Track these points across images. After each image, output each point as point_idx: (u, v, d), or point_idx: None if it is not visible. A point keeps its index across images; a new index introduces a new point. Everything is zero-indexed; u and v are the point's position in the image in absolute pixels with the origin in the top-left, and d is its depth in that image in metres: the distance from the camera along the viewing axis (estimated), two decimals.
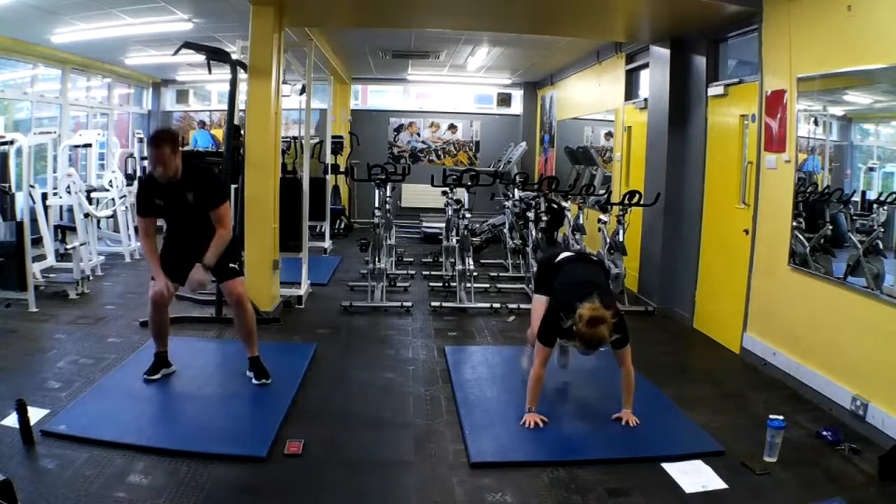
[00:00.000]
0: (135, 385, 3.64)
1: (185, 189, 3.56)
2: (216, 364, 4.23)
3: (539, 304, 3.68)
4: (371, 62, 9.55)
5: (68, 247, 6.03)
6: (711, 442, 3.19)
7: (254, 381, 3.74)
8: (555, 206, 7.09)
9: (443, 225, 7.20)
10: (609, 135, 7.67)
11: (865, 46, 3.42)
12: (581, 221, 7.32)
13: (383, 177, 6.36)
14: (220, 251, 3.60)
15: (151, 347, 3.83)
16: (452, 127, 11.66)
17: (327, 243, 8.52)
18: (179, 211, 3.62)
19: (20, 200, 5.40)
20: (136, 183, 8.94)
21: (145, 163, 9.69)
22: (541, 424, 3.33)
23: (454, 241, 6.25)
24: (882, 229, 3.46)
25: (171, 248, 3.75)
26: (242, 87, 5.27)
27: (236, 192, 5.36)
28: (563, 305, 3.24)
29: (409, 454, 3.08)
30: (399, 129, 11.65)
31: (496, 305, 5.70)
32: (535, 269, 3.59)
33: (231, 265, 3.74)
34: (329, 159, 8.92)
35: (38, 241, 5.84)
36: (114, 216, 7.39)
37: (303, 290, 5.77)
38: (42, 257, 5.88)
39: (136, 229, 7.78)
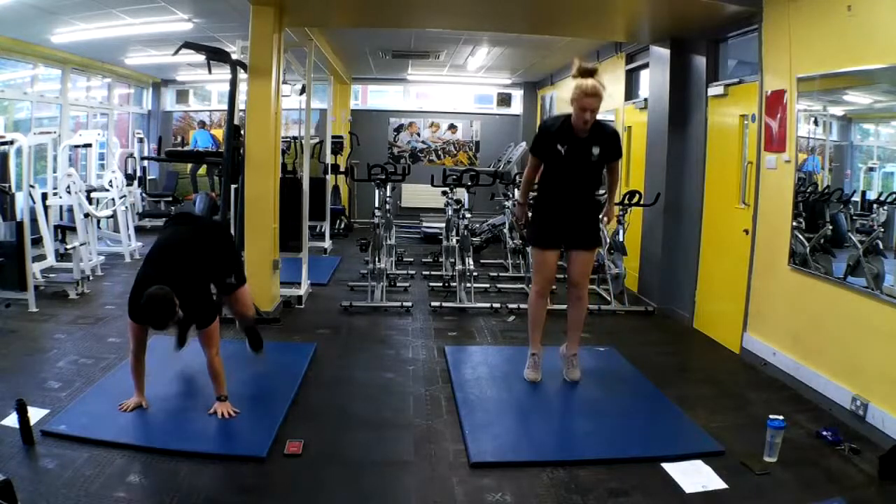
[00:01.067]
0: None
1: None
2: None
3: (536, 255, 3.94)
4: (371, 62, 9.55)
5: (68, 247, 6.03)
6: (711, 442, 3.19)
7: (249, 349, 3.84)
8: None
9: (443, 225, 7.20)
10: None
11: (865, 46, 3.42)
12: None
13: (383, 177, 6.36)
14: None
15: (150, 347, 3.76)
16: (452, 127, 11.67)
17: (327, 243, 8.52)
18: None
19: (20, 200, 5.40)
20: (135, 184, 8.99)
21: (145, 163, 9.74)
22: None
23: (454, 241, 6.25)
24: (882, 229, 3.46)
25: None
26: (242, 87, 5.27)
27: (236, 192, 5.36)
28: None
29: (409, 454, 3.08)
30: (399, 129, 11.65)
31: (496, 305, 5.70)
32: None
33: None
34: (329, 159, 8.91)
35: (38, 241, 5.84)
36: (114, 216, 7.39)
37: (303, 290, 5.77)
38: (42, 257, 5.88)
39: (136, 229, 7.81)
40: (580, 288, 3.92)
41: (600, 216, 3.94)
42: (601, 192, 4.06)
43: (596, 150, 3.68)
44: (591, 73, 3.57)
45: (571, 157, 3.67)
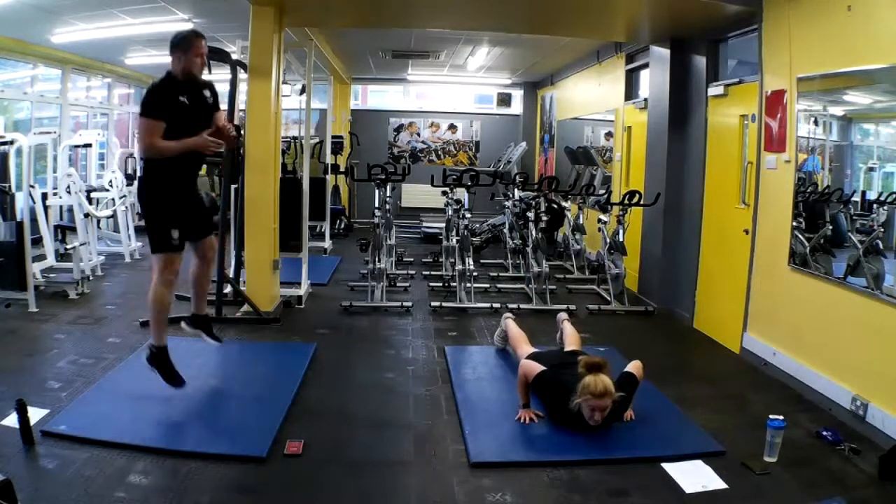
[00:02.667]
0: (135, 385, 3.64)
1: (203, 88, 3.49)
2: (216, 364, 4.22)
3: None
4: (371, 62, 9.55)
5: (68, 247, 6.03)
6: (711, 442, 3.19)
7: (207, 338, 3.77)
8: (555, 206, 7.11)
9: (443, 225, 7.20)
10: (609, 135, 7.67)
11: (865, 46, 3.42)
12: (581, 221, 7.35)
13: (383, 177, 6.36)
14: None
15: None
16: (452, 127, 11.67)
17: (327, 243, 8.52)
18: (202, 114, 3.47)
19: (20, 200, 5.40)
20: (135, 184, 8.96)
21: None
22: (535, 420, 3.37)
23: (454, 241, 6.25)
24: (882, 229, 3.46)
25: (180, 193, 3.50)
26: (242, 87, 5.28)
27: (236, 192, 5.37)
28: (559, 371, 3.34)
29: (410, 454, 3.08)
30: (399, 129, 11.65)
31: (496, 305, 5.70)
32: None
33: (215, 217, 3.64)
34: (329, 159, 8.92)
35: (38, 241, 5.84)
36: (114, 216, 7.39)
37: (303, 290, 5.77)
38: (42, 257, 5.88)
39: (136, 229, 7.80)
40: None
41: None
42: None
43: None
44: (599, 367, 3.16)
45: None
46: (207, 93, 3.52)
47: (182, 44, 3.36)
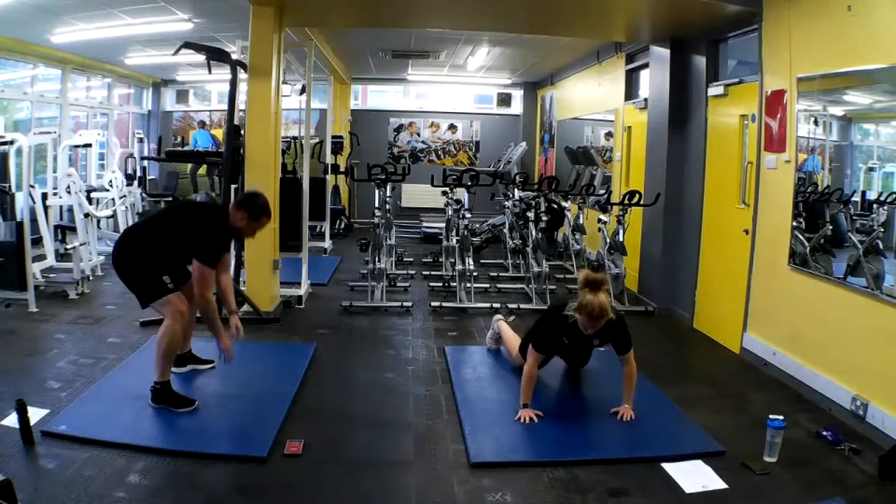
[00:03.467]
0: (135, 385, 3.63)
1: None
2: (215, 364, 4.22)
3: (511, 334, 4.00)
4: (371, 62, 9.55)
5: (68, 247, 6.03)
6: (711, 442, 3.19)
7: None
8: (555, 206, 7.10)
9: (443, 225, 7.20)
10: (609, 135, 7.67)
11: (865, 46, 3.42)
12: (581, 221, 7.34)
13: (383, 177, 6.36)
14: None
15: (151, 347, 3.77)
16: (452, 127, 11.67)
17: (327, 243, 8.52)
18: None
19: (20, 200, 5.40)
20: (135, 184, 8.98)
21: (145, 163, 9.73)
22: (535, 419, 3.37)
23: (454, 241, 6.25)
24: (882, 229, 3.46)
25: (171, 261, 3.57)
26: (242, 87, 5.27)
27: (236, 192, 5.36)
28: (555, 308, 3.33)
29: (410, 454, 3.08)
30: (399, 129, 11.65)
31: (496, 305, 5.69)
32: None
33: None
34: (329, 159, 8.91)
35: (38, 241, 5.84)
36: (114, 216, 7.39)
37: (303, 290, 5.77)
38: (42, 257, 5.88)
39: None
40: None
41: (611, 411, 3.53)
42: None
43: (597, 341, 3.58)
44: (598, 284, 3.23)
45: (574, 347, 3.69)
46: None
47: (256, 212, 3.50)
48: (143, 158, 9.09)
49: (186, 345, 3.88)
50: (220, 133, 10.42)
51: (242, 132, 5.27)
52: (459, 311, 5.67)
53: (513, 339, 4.16)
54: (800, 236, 4.04)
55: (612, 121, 7.45)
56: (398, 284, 6.39)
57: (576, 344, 3.58)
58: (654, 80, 6.03)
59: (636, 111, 6.64)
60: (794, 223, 4.07)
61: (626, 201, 5.78)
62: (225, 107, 5.86)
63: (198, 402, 3.44)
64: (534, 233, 6.20)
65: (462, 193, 6.72)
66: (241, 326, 3.63)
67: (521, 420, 3.38)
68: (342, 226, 9.97)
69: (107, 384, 3.67)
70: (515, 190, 7.67)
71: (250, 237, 3.73)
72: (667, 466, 2.94)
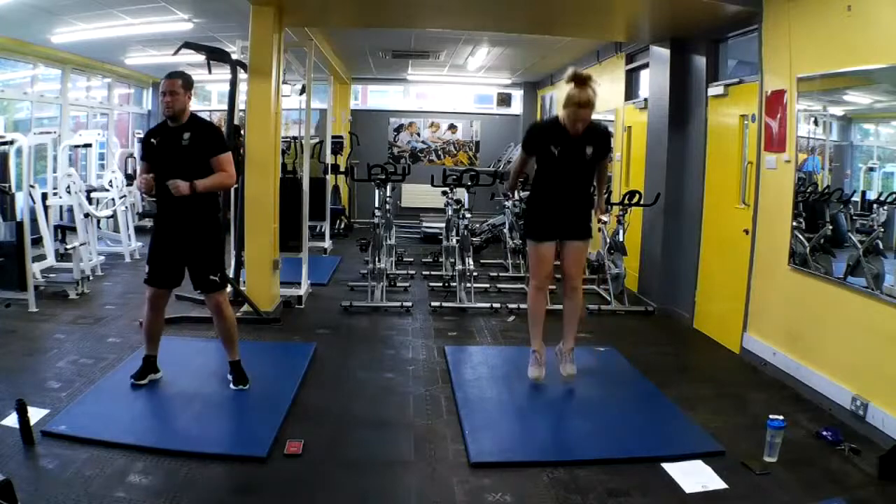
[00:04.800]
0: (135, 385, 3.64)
1: (183, 131, 3.45)
2: (216, 364, 4.20)
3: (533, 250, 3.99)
4: (371, 62, 9.55)
5: (68, 247, 6.03)
6: (711, 442, 3.19)
7: (232, 385, 3.66)
8: None
9: (443, 225, 7.20)
10: None
11: (865, 46, 3.42)
12: None
13: (383, 177, 6.36)
14: (216, 186, 3.50)
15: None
16: (452, 127, 11.67)
17: (327, 243, 8.52)
18: (172, 154, 3.45)
19: (20, 200, 5.39)
20: (135, 184, 8.98)
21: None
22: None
23: (454, 241, 6.25)
24: (882, 229, 3.46)
25: (161, 239, 3.57)
26: (242, 87, 5.27)
27: (236, 192, 5.37)
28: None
29: (409, 454, 3.08)
30: (399, 129, 11.65)
31: (496, 305, 5.70)
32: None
33: (212, 277, 3.57)
34: (329, 159, 8.91)
35: (38, 241, 5.84)
36: (114, 216, 7.39)
37: (303, 290, 5.77)
38: (42, 257, 5.88)
39: (136, 229, 7.83)
40: (574, 279, 3.99)
41: (592, 210, 3.98)
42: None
43: (589, 150, 3.73)
44: (584, 80, 3.53)
45: (565, 157, 3.72)
46: (187, 135, 3.46)
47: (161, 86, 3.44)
48: (143, 158, 9.09)
49: (228, 354, 3.75)
50: None
51: (242, 132, 5.27)
52: (459, 311, 5.67)
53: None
54: (800, 236, 4.04)
55: (612, 121, 7.45)
56: (398, 284, 6.39)
57: (567, 151, 3.65)
58: (654, 80, 6.03)
59: (636, 111, 6.64)
60: (794, 223, 4.07)
61: (626, 201, 5.78)
62: (225, 107, 5.87)
63: (197, 402, 3.44)
64: None
65: (462, 193, 6.72)
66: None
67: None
68: (342, 226, 9.97)
69: (107, 384, 3.67)
70: (515, 190, 7.66)
71: (168, 110, 3.43)
72: (667, 466, 2.94)
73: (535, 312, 3.99)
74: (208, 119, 3.77)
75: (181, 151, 3.45)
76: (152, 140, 3.53)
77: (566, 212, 3.83)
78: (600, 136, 3.80)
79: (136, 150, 9.42)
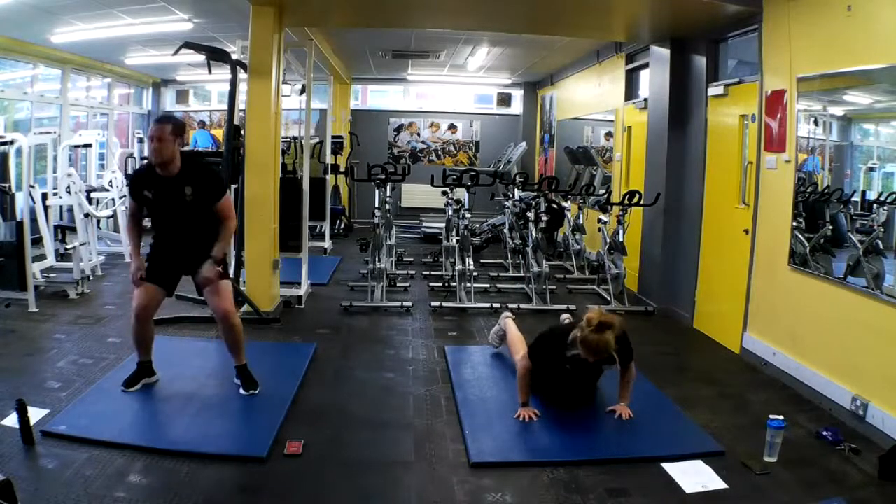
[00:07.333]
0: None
1: (182, 184, 3.38)
2: (216, 364, 4.21)
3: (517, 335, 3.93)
4: (371, 62, 9.55)
5: (68, 247, 6.03)
6: (711, 442, 3.19)
7: (241, 391, 3.60)
8: (555, 206, 7.10)
9: (443, 225, 7.20)
10: (609, 135, 7.67)
11: (865, 46, 3.42)
12: (581, 221, 7.35)
13: (383, 177, 6.36)
14: (229, 242, 3.56)
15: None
16: (452, 127, 11.66)
17: (327, 243, 8.52)
18: (173, 207, 3.43)
19: (20, 200, 5.40)
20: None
21: (145, 162, 9.73)
22: (534, 418, 3.38)
23: (454, 241, 6.25)
24: (882, 229, 3.46)
25: (162, 251, 3.56)
26: (242, 87, 5.27)
27: (236, 192, 5.36)
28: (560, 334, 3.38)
29: (409, 454, 3.08)
30: (399, 129, 11.65)
31: (496, 305, 5.69)
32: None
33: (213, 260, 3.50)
34: (329, 159, 8.91)
35: (38, 241, 5.83)
36: (114, 216, 7.39)
37: (303, 290, 5.77)
38: (42, 257, 5.88)
39: None
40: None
41: (607, 410, 3.55)
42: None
43: (605, 366, 3.43)
44: (606, 327, 3.11)
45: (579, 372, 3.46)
46: (188, 189, 3.40)
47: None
48: (143, 158, 9.09)
49: (234, 358, 3.70)
50: (220, 133, 10.41)
51: (242, 132, 5.27)
52: (459, 311, 5.67)
53: (517, 341, 4.02)
54: (800, 236, 4.04)
55: (611, 121, 7.45)
56: (398, 284, 6.39)
57: (581, 370, 3.41)
58: (654, 80, 6.03)
59: (636, 111, 6.64)
60: (794, 223, 4.07)
61: (625, 201, 5.78)
62: (225, 107, 5.87)
63: (197, 402, 3.44)
64: (534, 233, 6.20)
65: (462, 193, 6.72)
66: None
67: (521, 419, 3.38)
68: (342, 226, 9.96)
69: (107, 384, 3.67)
70: (515, 190, 7.67)
71: (157, 157, 3.34)
72: (667, 466, 2.94)
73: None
74: (194, 155, 3.71)
75: (186, 207, 3.43)
76: (146, 193, 3.42)
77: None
78: (619, 350, 3.28)
79: (135, 150, 9.44)
